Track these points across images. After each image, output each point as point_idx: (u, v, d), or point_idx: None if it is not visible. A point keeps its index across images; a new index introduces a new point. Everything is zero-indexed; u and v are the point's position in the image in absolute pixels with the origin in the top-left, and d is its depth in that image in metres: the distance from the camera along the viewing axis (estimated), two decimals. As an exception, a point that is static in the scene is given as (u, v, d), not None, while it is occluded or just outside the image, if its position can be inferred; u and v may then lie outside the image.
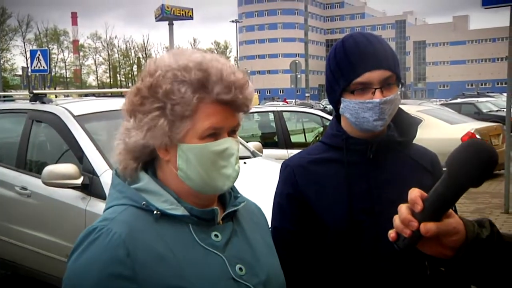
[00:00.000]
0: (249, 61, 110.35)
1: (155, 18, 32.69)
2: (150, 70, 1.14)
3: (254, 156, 4.87)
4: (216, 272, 1.13)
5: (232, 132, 1.18)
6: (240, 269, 1.17)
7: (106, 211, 1.16)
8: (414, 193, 0.97)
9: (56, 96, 6.20)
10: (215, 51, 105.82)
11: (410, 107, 10.98)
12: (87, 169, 3.81)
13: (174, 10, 30.70)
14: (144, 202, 1.13)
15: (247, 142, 5.31)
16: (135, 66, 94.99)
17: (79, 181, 3.73)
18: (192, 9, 32.55)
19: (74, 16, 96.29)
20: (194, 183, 1.16)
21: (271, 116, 8.64)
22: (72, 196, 3.82)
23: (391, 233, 0.99)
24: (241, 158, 4.65)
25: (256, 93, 58.86)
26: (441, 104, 19.94)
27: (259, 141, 6.62)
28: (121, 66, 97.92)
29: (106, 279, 1.04)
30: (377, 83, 1.43)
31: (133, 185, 1.17)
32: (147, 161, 1.21)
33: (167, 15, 30.27)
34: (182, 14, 31.70)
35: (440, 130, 9.87)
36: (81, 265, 1.07)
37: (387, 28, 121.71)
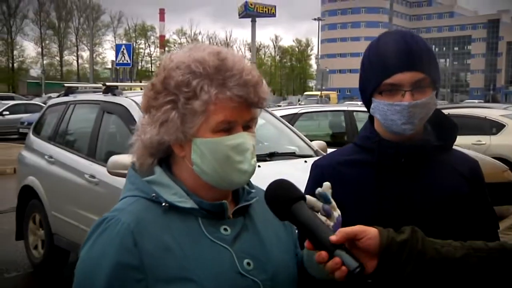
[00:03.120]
0: (330, 60, 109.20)
1: (239, 15, 33.17)
2: (164, 64, 1.14)
3: (317, 155, 4.79)
4: (222, 266, 1.12)
5: (247, 127, 1.15)
6: (248, 264, 1.16)
7: (119, 202, 1.18)
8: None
9: (131, 89, 6.44)
10: (296, 49, 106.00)
11: (493, 111, 10.41)
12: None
13: (257, 7, 31.03)
14: (153, 194, 1.14)
15: (312, 140, 5.25)
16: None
17: (141, 171, 3.84)
18: (275, 6, 32.75)
19: (161, 12, 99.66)
20: (209, 178, 1.15)
21: (342, 116, 8.57)
22: (135, 186, 3.94)
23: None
24: (303, 156, 4.61)
25: (336, 92, 58.25)
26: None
27: (328, 140, 6.54)
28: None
29: (115, 268, 1.06)
30: (407, 85, 1.36)
31: (146, 178, 1.18)
32: (163, 157, 1.22)
33: (250, 12, 30.66)
34: (265, 11, 31.99)
35: (525, 136, 9.25)
36: (92, 255, 1.10)
37: (478, 28, 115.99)
